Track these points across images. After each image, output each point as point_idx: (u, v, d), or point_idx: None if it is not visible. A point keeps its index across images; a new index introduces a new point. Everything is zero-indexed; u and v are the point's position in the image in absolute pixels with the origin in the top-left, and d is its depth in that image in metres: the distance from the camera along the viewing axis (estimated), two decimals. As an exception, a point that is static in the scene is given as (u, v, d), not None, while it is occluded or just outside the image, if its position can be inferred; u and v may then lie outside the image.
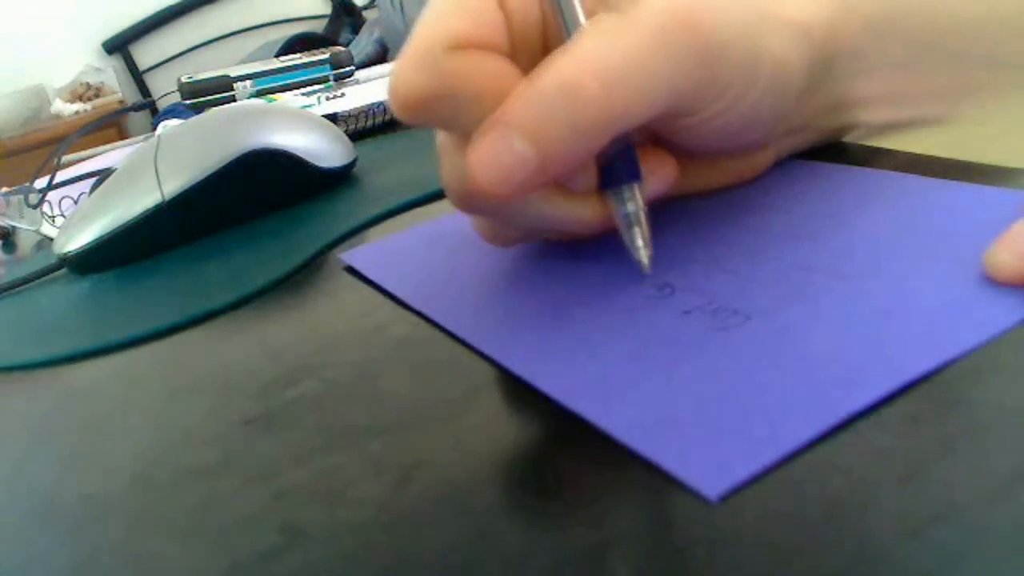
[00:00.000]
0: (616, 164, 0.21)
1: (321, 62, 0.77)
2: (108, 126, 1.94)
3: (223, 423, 0.20)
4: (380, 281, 0.26)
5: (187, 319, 0.28)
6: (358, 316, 0.24)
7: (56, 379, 0.27)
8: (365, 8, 2.22)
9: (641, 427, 0.15)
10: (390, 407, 0.19)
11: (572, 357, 0.18)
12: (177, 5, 2.25)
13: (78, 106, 2.10)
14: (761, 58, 0.21)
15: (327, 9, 2.29)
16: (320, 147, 0.39)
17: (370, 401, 0.19)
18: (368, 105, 0.54)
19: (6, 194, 0.46)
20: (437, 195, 0.34)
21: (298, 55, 0.80)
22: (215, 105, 0.71)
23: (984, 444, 0.13)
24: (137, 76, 2.26)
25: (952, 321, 0.16)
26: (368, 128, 0.51)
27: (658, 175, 0.22)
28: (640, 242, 0.21)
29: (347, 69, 0.78)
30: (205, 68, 0.82)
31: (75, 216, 0.38)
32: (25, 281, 0.38)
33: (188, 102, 0.76)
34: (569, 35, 0.20)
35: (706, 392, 0.16)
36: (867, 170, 0.24)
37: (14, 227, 0.47)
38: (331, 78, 0.77)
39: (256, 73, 0.76)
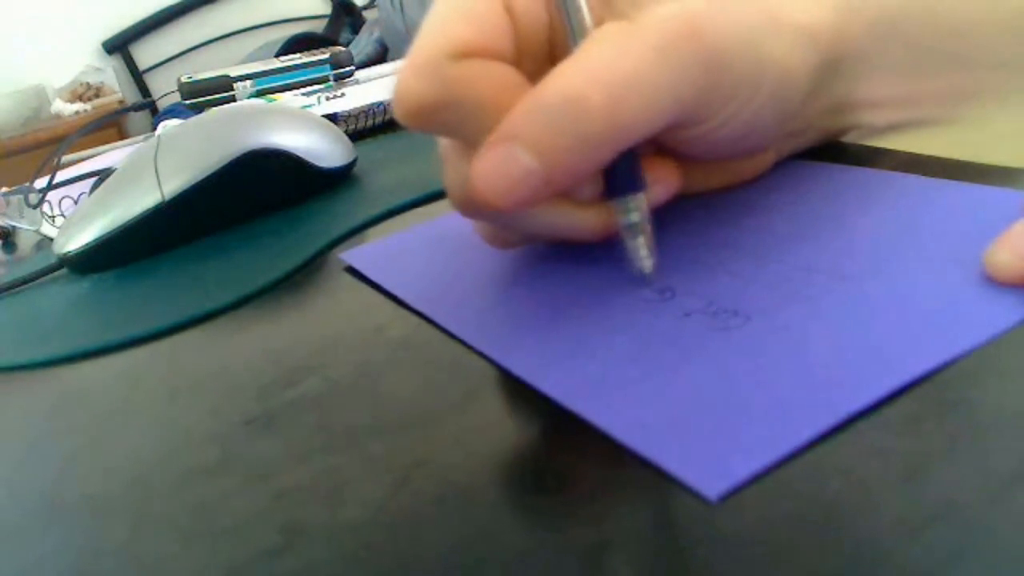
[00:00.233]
0: (619, 174, 0.20)
1: (321, 62, 0.77)
2: (108, 126, 1.94)
3: (223, 423, 0.20)
4: (380, 281, 0.26)
5: (187, 319, 0.28)
6: (358, 316, 0.24)
7: (56, 379, 0.27)
8: (365, 8, 2.22)
9: (641, 427, 0.15)
10: (390, 407, 0.19)
11: (572, 358, 0.18)
12: (177, 5, 2.25)
13: (78, 106, 2.10)
14: (765, 65, 0.21)
15: (327, 9, 2.29)
16: (320, 147, 0.39)
17: (370, 401, 0.19)
18: (368, 105, 0.54)
19: (6, 194, 0.46)
20: (437, 195, 0.34)
21: (298, 55, 0.80)
22: (215, 105, 0.71)
23: (984, 444, 0.13)
24: (137, 76, 2.26)
25: (952, 321, 0.16)
26: (368, 128, 0.51)
27: (662, 183, 0.22)
28: (644, 252, 0.21)
29: (347, 69, 0.78)
30: (205, 68, 0.82)
31: (75, 216, 0.38)
32: (25, 281, 0.38)
33: (188, 102, 0.76)
34: (576, 43, 0.20)
35: (706, 392, 0.16)
36: (867, 170, 0.24)
37: (14, 227, 0.47)
38: (331, 78, 0.77)
39: (256, 73, 0.76)
